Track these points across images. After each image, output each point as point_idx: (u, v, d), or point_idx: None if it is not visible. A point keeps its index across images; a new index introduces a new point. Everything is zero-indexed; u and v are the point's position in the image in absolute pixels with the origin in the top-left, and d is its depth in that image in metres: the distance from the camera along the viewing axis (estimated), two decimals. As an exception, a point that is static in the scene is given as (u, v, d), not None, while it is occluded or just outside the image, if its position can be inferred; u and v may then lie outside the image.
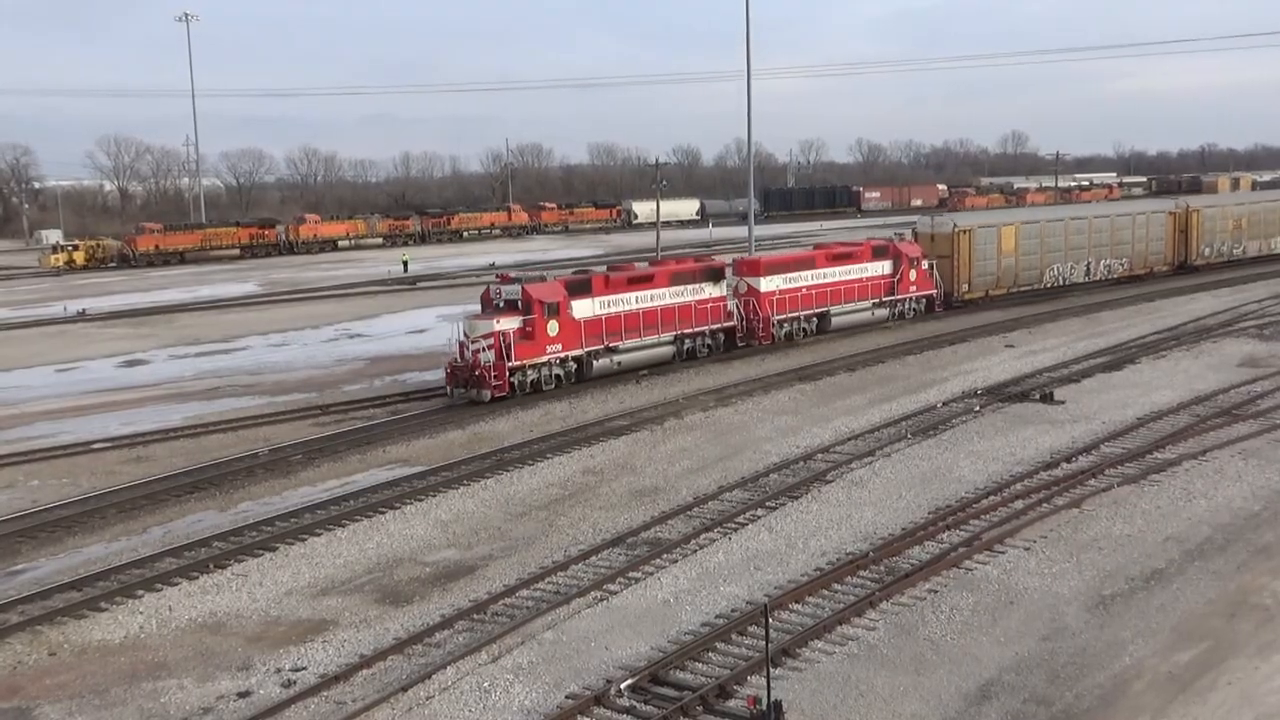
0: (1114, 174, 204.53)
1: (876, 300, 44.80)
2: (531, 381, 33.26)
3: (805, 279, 42.09)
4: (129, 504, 24.43)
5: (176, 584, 19.56)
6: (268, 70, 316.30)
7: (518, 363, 32.63)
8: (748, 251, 58.57)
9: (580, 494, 23.92)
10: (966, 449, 25.93)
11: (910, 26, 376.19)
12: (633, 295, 36.25)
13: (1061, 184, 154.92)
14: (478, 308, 35.48)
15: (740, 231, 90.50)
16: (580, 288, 34.96)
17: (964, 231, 48.96)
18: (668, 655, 15.54)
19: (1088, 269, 54.20)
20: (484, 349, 32.09)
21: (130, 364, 44.97)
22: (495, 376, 32.00)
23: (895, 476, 23.95)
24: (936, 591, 17.54)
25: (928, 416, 29.37)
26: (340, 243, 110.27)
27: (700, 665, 15.42)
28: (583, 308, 34.57)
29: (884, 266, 45.25)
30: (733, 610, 17.15)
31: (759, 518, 21.54)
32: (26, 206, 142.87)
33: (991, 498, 22.03)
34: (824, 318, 42.89)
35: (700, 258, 41.28)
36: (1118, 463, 24.00)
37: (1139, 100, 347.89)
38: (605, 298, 35.40)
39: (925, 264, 46.99)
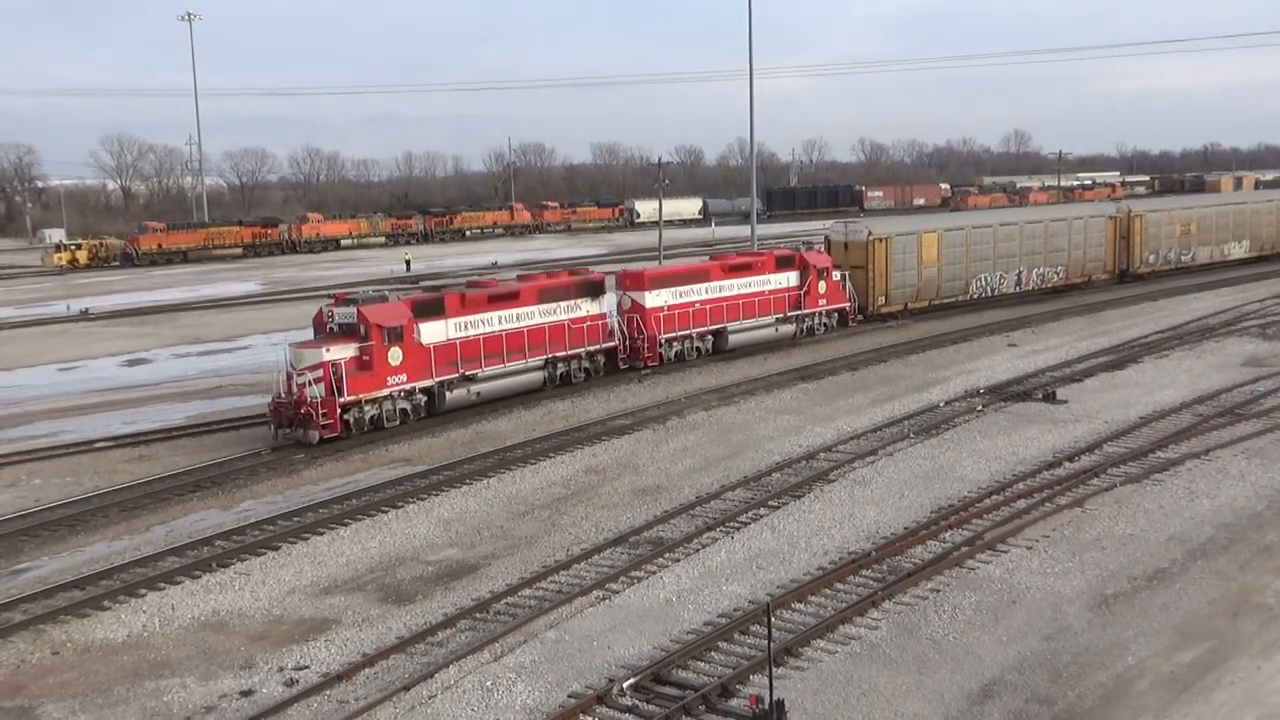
0: (1117, 173, 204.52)
1: (780, 315, 41.11)
2: (371, 418, 29.25)
3: (698, 293, 38.33)
4: (131, 503, 24.47)
5: (179, 583, 19.59)
6: (270, 69, 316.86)
7: (352, 397, 28.56)
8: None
9: (582, 493, 23.93)
10: (969, 448, 25.92)
11: (912, 26, 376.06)
12: (495, 315, 32.20)
13: (1064, 183, 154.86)
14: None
15: (743, 230, 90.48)
16: (430, 308, 30.76)
17: (880, 239, 45.50)
18: (670, 654, 15.54)
19: (1019, 278, 50.79)
20: (311, 382, 27.97)
21: (133, 363, 45.02)
22: (324, 414, 27.91)
23: (898, 475, 23.94)
24: (939, 591, 17.54)
25: (930, 415, 29.37)
26: (343, 242, 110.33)
27: (703, 664, 15.42)
28: (433, 331, 30.48)
29: (789, 278, 41.45)
30: (735, 609, 17.15)
31: (761, 517, 21.54)
32: (29, 206, 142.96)
33: (994, 497, 22.02)
34: (720, 335, 39.24)
35: (576, 271, 37.54)
36: (1120, 462, 23.98)
37: (1142, 100, 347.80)
38: (461, 319, 31.27)
39: (836, 275, 43.32)
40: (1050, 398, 30.49)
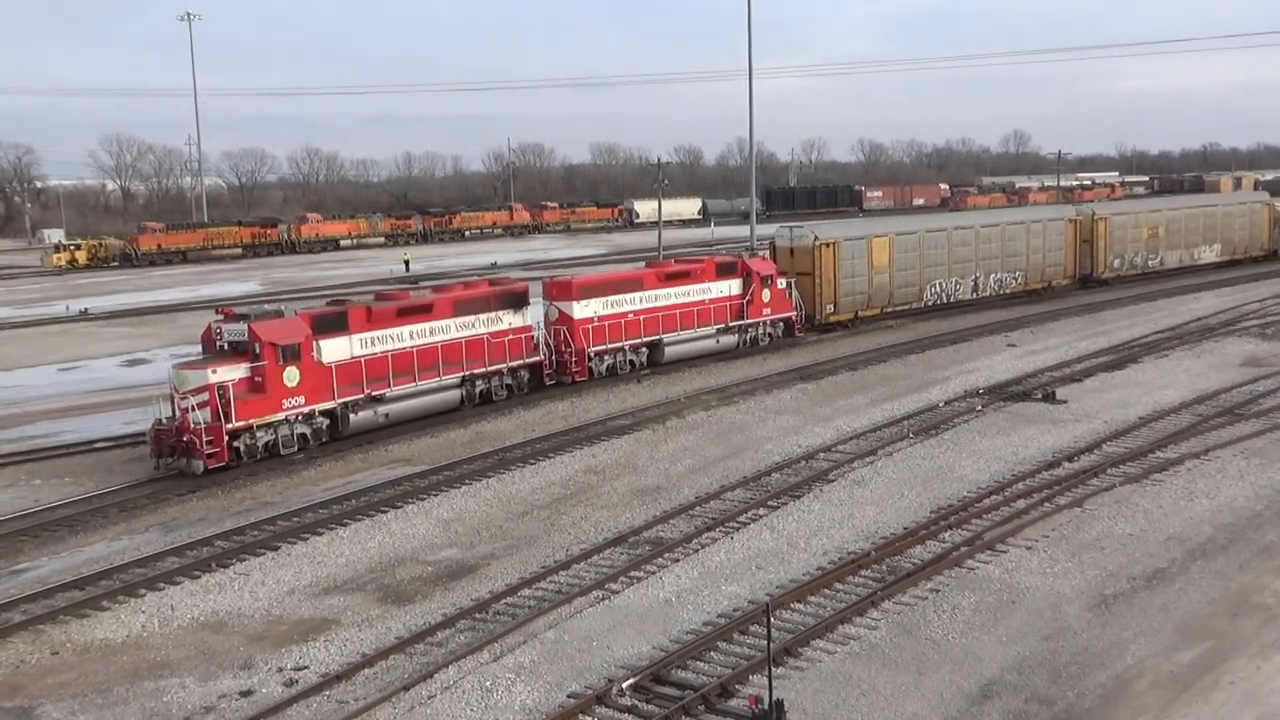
0: (1116, 173, 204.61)
1: (722, 326, 39.13)
2: (265, 445, 26.92)
3: (631, 302, 36.33)
4: (131, 503, 24.47)
5: (179, 583, 19.59)
6: (270, 69, 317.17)
7: (241, 423, 26.18)
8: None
9: (582, 493, 23.93)
10: (968, 448, 25.92)
11: (912, 26, 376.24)
12: (405, 330, 29.97)
13: (1063, 183, 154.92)
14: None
15: (742, 230, 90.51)
16: (332, 323, 28.49)
17: (827, 245, 43.41)
18: (670, 654, 15.54)
19: (975, 284, 48.93)
20: (194, 407, 25.53)
21: (132, 363, 45.01)
22: (209, 442, 25.57)
23: (897, 475, 23.95)
24: (938, 591, 17.54)
25: (930, 415, 29.37)
26: (342, 242, 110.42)
27: (702, 664, 15.42)
28: (335, 348, 28.21)
29: (731, 286, 39.41)
30: (734, 609, 17.15)
31: (761, 517, 21.54)
32: (29, 206, 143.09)
33: (993, 497, 22.02)
34: (655, 348, 37.24)
35: (497, 281, 35.31)
36: (1120, 462, 23.98)
37: (1141, 100, 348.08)
38: (367, 334, 29.04)
39: (782, 282, 41.30)
40: (1050, 398, 30.49)
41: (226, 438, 25.95)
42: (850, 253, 44.40)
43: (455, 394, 31.52)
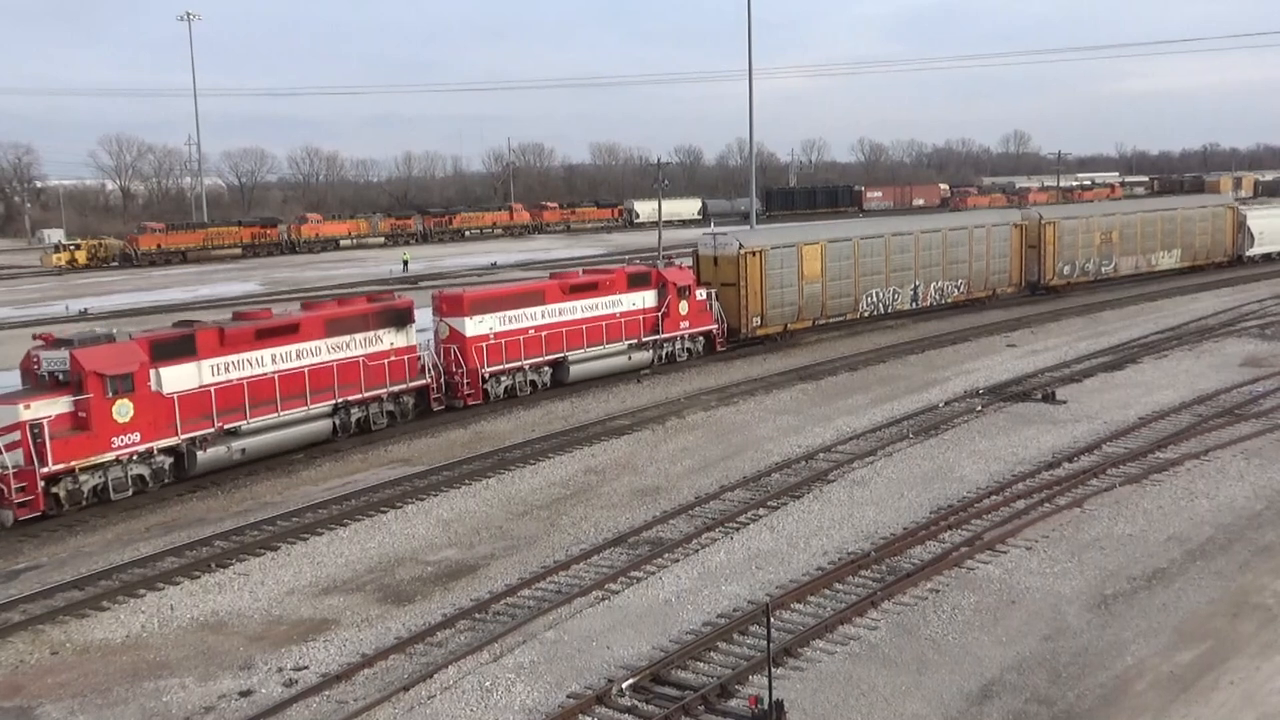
0: (1116, 173, 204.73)
1: (634, 341, 36.63)
2: (92, 489, 23.72)
3: (532, 318, 33.69)
4: (131, 503, 24.44)
5: (178, 583, 19.60)
6: (270, 70, 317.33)
7: (60, 465, 22.92)
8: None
9: (582, 493, 23.93)
10: (968, 448, 25.92)
11: (912, 26, 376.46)
12: (266, 353, 26.95)
13: (1063, 184, 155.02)
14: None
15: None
16: (175, 349, 25.31)
17: (752, 253, 40.59)
18: (669, 654, 15.55)
19: (915, 294, 46.51)
20: (2, 448, 22.20)
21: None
22: (21, 489, 22.31)
23: (897, 476, 23.95)
24: (938, 591, 17.54)
25: (929, 416, 29.37)
26: (342, 242, 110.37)
27: (702, 664, 15.43)
28: (180, 377, 25.12)
29: (645, 298, 36.92)
30: (734, 609, 17.15)
31: (760, 517, 21.55)
32: (28, 206, 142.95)
33: (993, 497, 22.02)
34: (559, 366, 34.59)
35: (376, 296, 32.46)
36: (1120, 462, 23.98)
37: (1141, 100, 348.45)
38: (220, 360, 25.98)
39: (701, 294, 38.90)
40: (1049, 398, 30.50)
41: (42, 483, 22.70)
42: (778, 261, 41.56)
43: (326, 424, 28.61)
